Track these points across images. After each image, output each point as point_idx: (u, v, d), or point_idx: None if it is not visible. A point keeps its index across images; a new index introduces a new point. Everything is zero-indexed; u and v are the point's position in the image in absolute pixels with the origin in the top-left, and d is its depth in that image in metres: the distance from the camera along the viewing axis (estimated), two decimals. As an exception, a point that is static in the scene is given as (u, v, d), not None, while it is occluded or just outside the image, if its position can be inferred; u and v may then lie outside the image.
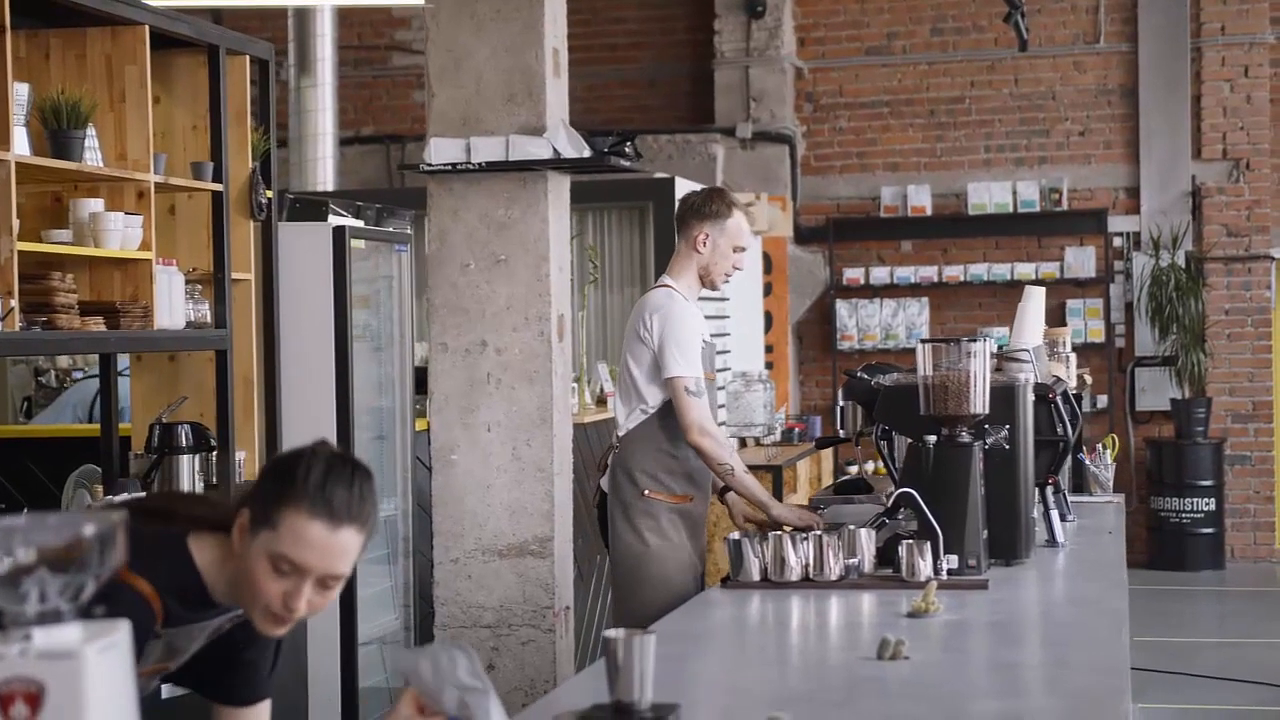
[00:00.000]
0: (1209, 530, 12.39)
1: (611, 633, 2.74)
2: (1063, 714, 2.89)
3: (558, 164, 5.85)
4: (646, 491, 5.25)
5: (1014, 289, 12.72)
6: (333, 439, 6.37)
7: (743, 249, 5.40)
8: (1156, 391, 12.71)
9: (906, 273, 12.98)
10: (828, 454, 11.56)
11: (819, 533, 4.34)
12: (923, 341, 4.47)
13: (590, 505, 6.23)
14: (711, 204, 5.38)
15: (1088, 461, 6.46)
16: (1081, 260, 12.78)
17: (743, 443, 10.44)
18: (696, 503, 5.33)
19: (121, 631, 1.78)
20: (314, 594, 2.63)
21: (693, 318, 5.28)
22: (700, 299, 5.46)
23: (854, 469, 12.29)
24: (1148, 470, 12.63)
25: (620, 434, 5.38)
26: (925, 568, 4.18)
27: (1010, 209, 12.84)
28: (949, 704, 2.98)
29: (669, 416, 5.22)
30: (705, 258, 5.35)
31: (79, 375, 8.45)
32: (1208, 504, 12.35)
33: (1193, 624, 10.81)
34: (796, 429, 11.39)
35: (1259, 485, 12.73)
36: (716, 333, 10.30)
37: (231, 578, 2.69)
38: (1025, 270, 12.73)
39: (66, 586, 1.76)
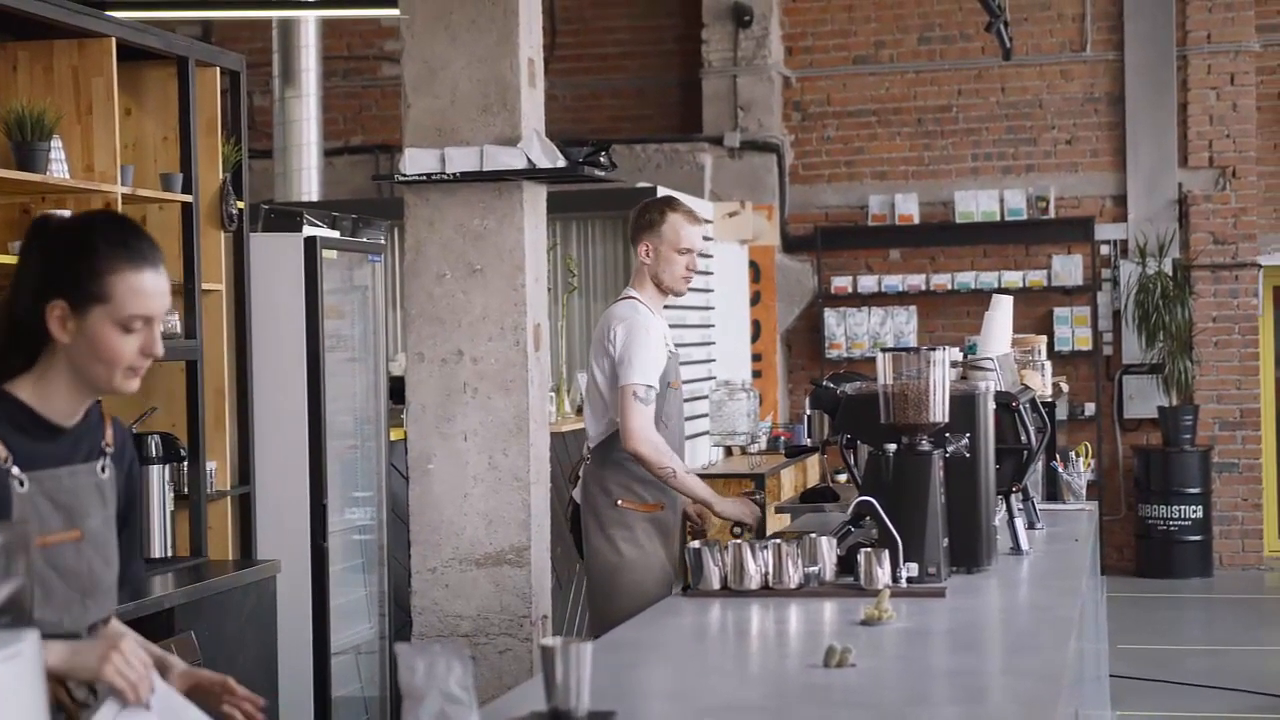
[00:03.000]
0: (1196, 538, 12.40)
1: (547, 641, 2.76)
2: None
3: (533, 174, 5.87)
4: (620, 502, 5.30)
5: (1002, 297, 12.72)
6: (305, 448, 6.44)
7: (688, 250, 5.43)
8: (1144, 399, 12.72)
9: (894, 281, 13.00)
10: (814, 462, 11.56)
11: (778, 541, 4.35)
12: (883, 350, 4.49)
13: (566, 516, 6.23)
14: (645, 214, 5.47)
15: (1060, 470, 6.46)
16: (1069, 268, 12.79)
17: (728, 451, 10.45)
18: (667, 510, 5.37)
19: (28, 642, 1.79)
20: (158, 337, 2.78)
21: (655, 329, 5.32)
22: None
23: (843, 477, 12.29)
24: (1135, 478, 12.64)
25: (591, 445, 5.43)
26: (883, 576, 4.19)
27: (998, 217, 12.86)
28: (886, 711, 3.00)
29: None
30: (653, 266, 5.42)
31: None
32: (1195, 511, 12.36)
33: (1179, 631, 10.82)
34: (783, 437, 11.38)
35: (1246, 492, 12.74)
36: (702, 341, 10.35)
37: (68, 379, 2.74)
38: (1013, 278, 12.75)
39: (-30, 596, 1.77)
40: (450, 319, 5.82)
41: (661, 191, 10.14)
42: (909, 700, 3.10)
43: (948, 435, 4.50)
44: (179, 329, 5.65)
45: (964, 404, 4.55)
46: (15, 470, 2.68)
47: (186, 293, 5.69)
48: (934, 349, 4.45)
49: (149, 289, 2.73)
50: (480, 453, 5.88)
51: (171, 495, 5.57)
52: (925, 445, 4.42)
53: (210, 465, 5.82)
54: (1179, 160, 12.76)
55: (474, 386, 5.92)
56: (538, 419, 5.99)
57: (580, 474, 5.46)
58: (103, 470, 2.85)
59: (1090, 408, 12.70)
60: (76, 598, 2.72)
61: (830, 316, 13.07)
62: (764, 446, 10.81)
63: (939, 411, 4.40)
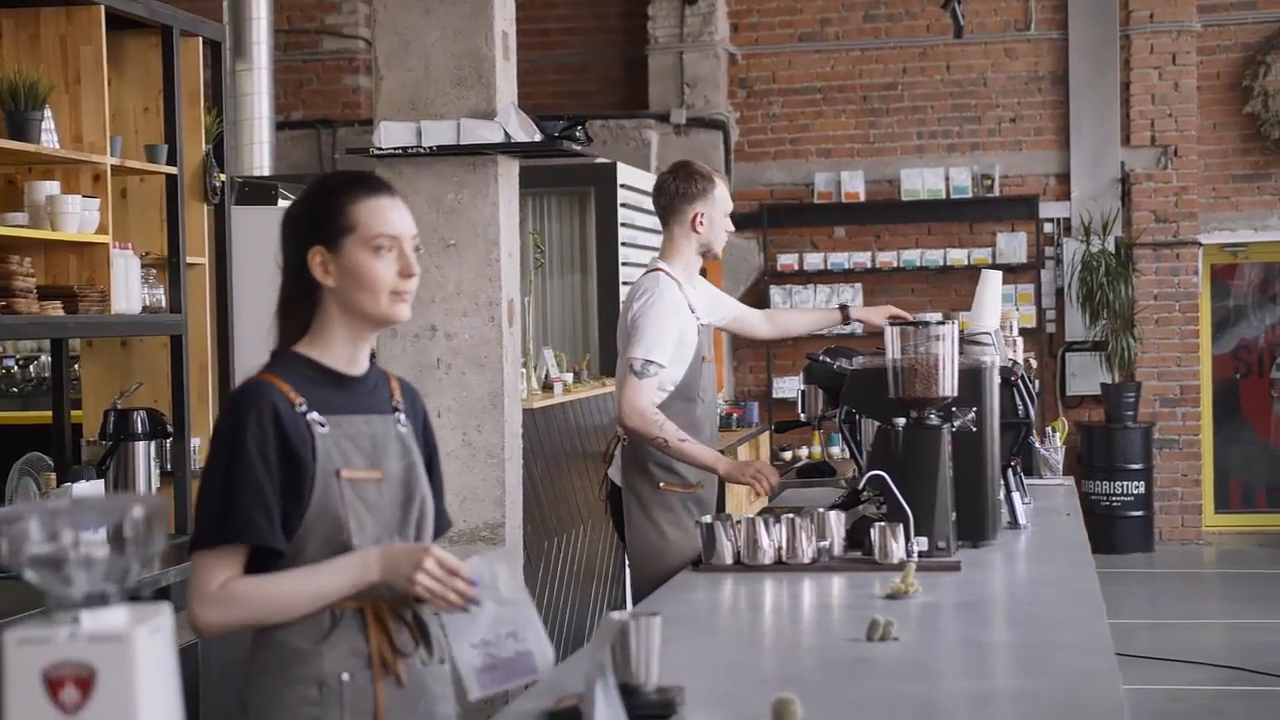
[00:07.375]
0: (1138, 513, 12.54)
1: (618, 615, 2.74)
2: (1062, 692, 2.89)
3: (508, 148, 5.83)
4: (662, 484, 5.18)
5: (946, 275, 12.83)
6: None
7: (730, 211, 5.46)
8: (1087, 376, 12.84)
9: (840, 259, 13.03)
10: (764, 439, 11.60)
11: (791, 516, 4.33)
12: (891, 324, 4.48)
13: (580, 493, 6.16)
14: (696, 183, 5.36)
15: (1038, 445, 6.50)
16: (1013, 246, 12.88)
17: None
18: (706, 488, 5.28)
19: (165, 615, 1.75)
20: (413, 258, 2.93)
21: (676, 301, 5.20)
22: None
23: (804, 452, 12.35)
24: (1078, 454, 12.75)
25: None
26: (899, 550, 4.20)
27: (943, 195, 12.91)
28: (945, 683, 3.00)
29: (676, 405, 5.15)
30: (705, 235, 5.37)
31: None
32: (1137, 487, 12.50)
33: (1123, 605, 10.91)
34: (734, 415, 11.43)
35: (1186, 468, 12.90)
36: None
37: (342, 323, 2.90)
38: (958, 256, 12.82)
39: (113, 569, 1.73)
40: (424, 294, 5.76)
41: (623, 170, 10.14)
42: (964, 673, 3.10)
43: (954, 409, 4.50)
44: (164, 303, 5.56)
45: (970, 378, 4.56)
46: (314, 415, 2.85)
47: (171, 266, 5.59)
48: (943, 322, 4.45)
49: (389, 210, 2.90)
50: (454, 429, 5.84)
51: (157, 472, 5.48)
52: (934, 419, 4.42)
53: (195, 441, 5.73)
54: (1121, 139, 12.87)
55: (448, 363, 5.88)
56: (511, 395, 5.96)
57: (616, 454, 5.28)
58: (400, 424, 2.98)
59: (1035, 384, 12.78)
60: (385, 533, 2.87)
61: (776, 294, 13.09)
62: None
63: (948, 385, 4.40)
